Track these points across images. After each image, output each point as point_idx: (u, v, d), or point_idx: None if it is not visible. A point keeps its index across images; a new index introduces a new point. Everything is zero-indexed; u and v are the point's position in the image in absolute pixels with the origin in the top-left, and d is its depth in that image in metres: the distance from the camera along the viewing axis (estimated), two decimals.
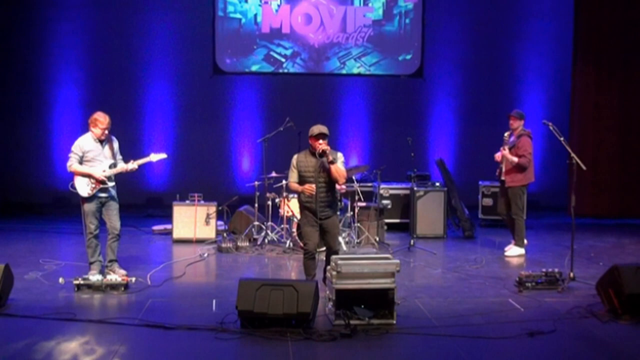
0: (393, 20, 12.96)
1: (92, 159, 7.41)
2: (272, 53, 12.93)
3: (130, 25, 12.90)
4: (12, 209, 12.35)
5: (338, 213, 7.29)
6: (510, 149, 8.84)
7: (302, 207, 6.99)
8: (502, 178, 8.97)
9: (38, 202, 12.64)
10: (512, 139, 8.93)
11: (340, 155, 6.96)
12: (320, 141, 6.74)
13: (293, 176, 6.93)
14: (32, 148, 12.90)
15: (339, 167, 6.81)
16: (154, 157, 7.72)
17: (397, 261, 6.09)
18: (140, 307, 6.48)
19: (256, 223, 9.85)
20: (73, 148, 7.44)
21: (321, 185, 6.82)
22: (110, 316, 6.16)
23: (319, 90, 13.13)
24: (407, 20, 12.97)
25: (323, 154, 6.73)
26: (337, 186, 8.87)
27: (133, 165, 7.57)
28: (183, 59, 13.01)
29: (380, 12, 12.93)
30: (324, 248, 7.32)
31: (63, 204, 12.13)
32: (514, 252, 9.02)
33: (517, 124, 8.93)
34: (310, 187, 6.76)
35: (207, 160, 13.08)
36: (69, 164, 7.42)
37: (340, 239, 8.69)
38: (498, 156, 9.00)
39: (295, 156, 6.97)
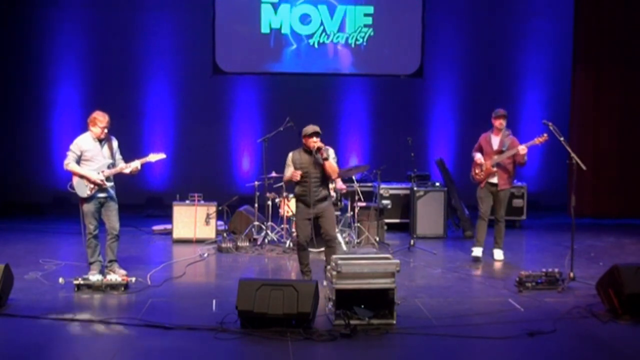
0: (393, 20, 12.94)
1: (90, 158, 7.40)
2: (271, 53, 12.91)
3: (130, 25, 12.88)
4: (12, 209, 12.33)
5: (335, 207, 7.46)
6: (504, 151, 8.40)
7: (297, 200, 7.28)
8: (494, 181, 8.48)
9: (38, 202, 12.61)
10: (499, 139, 8.52)
11: (332, 151, 7.25)
12: (314, 139, 7.06)
13: (289, 171, 7.25)
14: (32, 148, 12.87)
15: (332, 164, 7.14)
16: (153, 157, 7.69)
17: (397, 261, 6.09)
18: (140, 307, 6.48)
19: (256, 223, 9.85)
20: (71, 146, 7.42)
21: (315, 180, 7.11)
22: (110, 316, 6.16)
23: (319, 90, 13.12)
24: (407, 20, 12.95)
25: (318, 150, 7.05)
26: (338, 186, 9.02)
27: (135, 164, 7.52)
28: (183, 59, 12.99)
29: (380, 11, 12.91)
30: (323, 248, 7.33)
31: (63, 204, 12.10)
32: (501, 255, 8.77)
33: (505, 123, 8.54)
34: (297, 173, 7.07)
35: (207, 160, 13.06)
36: (66, 162, 7.40)
37: (340, 238, 8.70)
38: (481, 159, 8.49)
39: (290, 154, 7.30)
